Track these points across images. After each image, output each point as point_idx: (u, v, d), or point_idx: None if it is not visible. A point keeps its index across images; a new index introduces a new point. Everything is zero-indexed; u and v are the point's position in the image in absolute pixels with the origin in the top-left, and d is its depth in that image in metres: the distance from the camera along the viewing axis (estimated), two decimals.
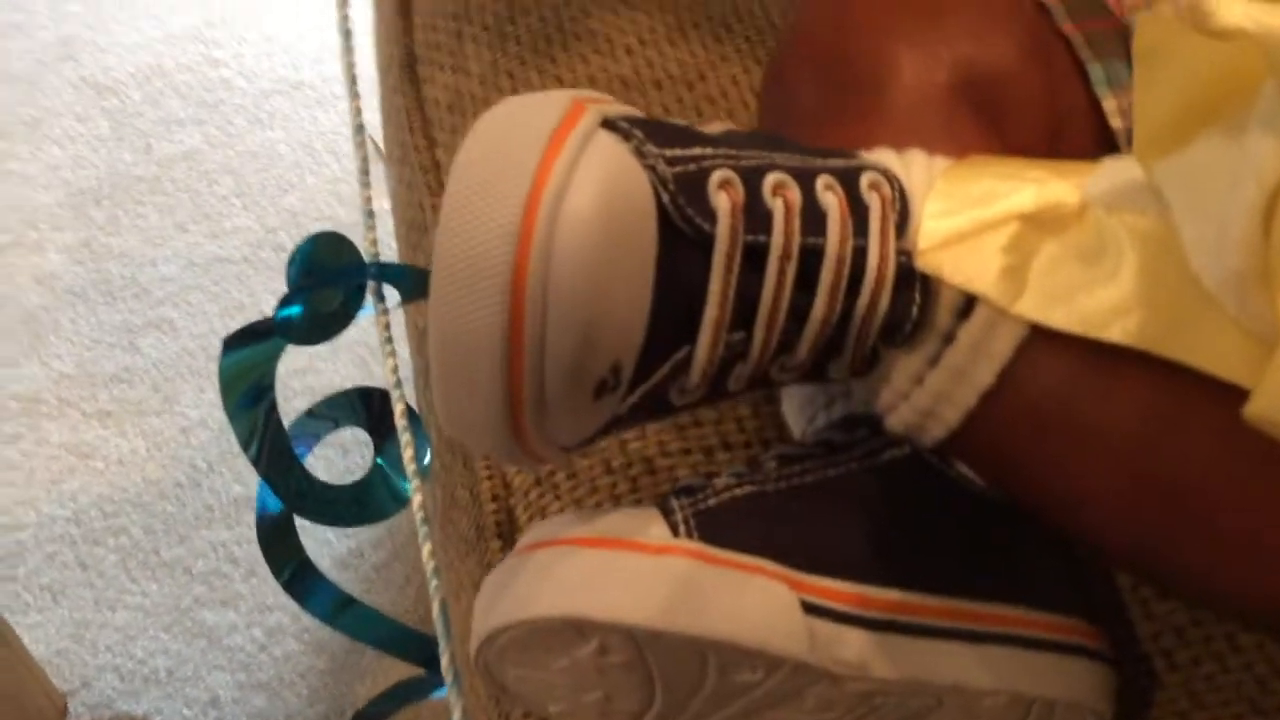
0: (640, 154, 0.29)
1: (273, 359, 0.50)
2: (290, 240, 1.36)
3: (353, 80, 0.50)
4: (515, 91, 0.59)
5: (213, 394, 1.24)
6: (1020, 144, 0.39)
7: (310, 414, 0.56)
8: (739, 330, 0.32)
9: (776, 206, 0.31)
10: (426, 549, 0.42)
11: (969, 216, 0.34)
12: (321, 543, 1.06)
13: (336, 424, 0.55)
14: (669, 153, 0.30)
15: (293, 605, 0.67)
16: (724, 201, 0.30)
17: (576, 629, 0.31)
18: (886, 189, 0.34)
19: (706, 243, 0.30)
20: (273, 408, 0.51)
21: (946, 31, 0.43)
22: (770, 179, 0.32)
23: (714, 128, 0.35)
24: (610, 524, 0.32)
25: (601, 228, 0.27)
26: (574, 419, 0.29)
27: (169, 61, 1.56)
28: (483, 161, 0.28)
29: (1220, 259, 0.29)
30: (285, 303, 0.49)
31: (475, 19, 0.64)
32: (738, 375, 0.33)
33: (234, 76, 1.56)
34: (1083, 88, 0.44)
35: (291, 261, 0.50)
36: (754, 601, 0.31)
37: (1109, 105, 0.42)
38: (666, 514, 0.33)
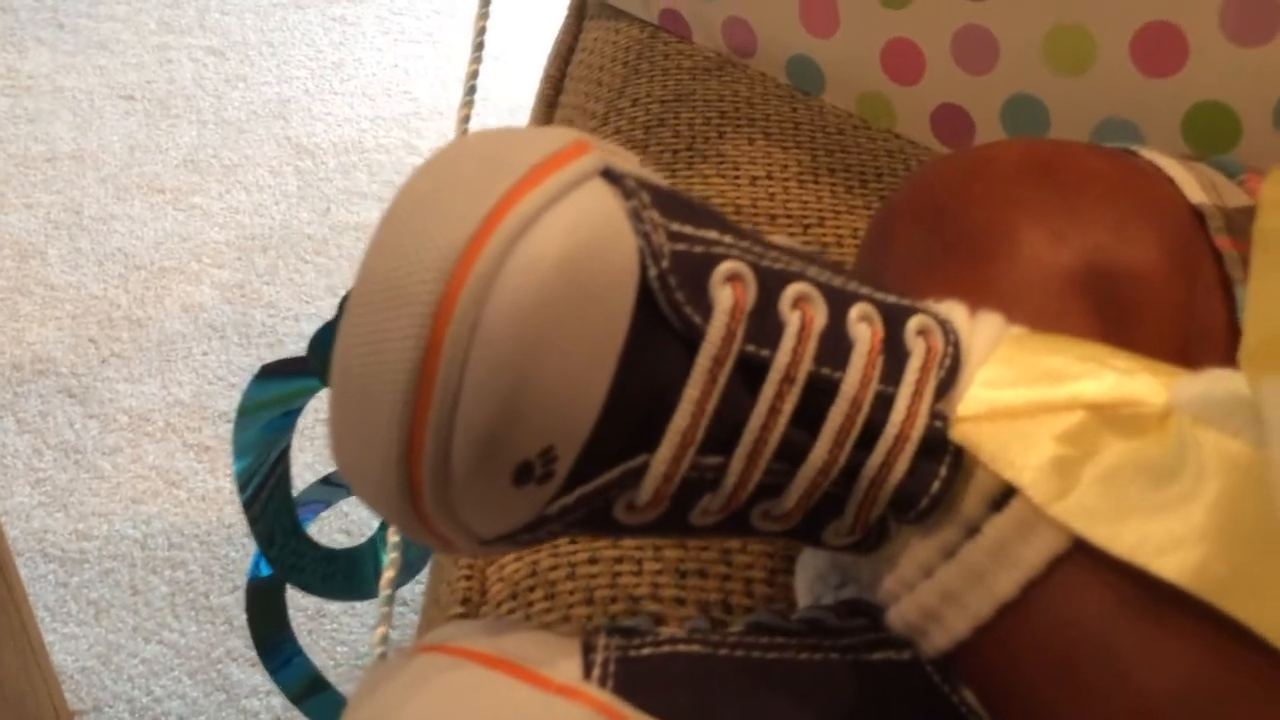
0: (637, 217, 0.25)
1: (301, 396, 0.47)
2: None
3: None
4: None
5: (311, 456, 1.24)
6: (1144, 355, 0.34)
7: (326, 480, 0.53)
8: (715, 454, 0.27)
9: (792, 320, 0.27)
10: (379, 633, 0.37)
11: (1027, 393, 0.28)
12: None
13: (350, 492, 0.52)
14: (675, 226, 0.26)
15: None
16: (727, 297, 0.26)
17: None
18: (937, 339, 0.29)
19: (693, 339, 0.26)
20: (284, 454, 0.47)
21: (1082, 215, 0.38)
22: (793, 289, 0.27)
23: (776, 239, 0.31)
24: (519, 644, 0.27)
25: (560, 283, 0.23)
26: (486, 502, 0.25)
27: (370, 140, 1.63)
28: (445, 175, 0.24)
29: None
30: (324, 334, 0.47)
31: (613, 124, 0.62)
32: (705, 508, 0.27)
33: None
34: (1225, 308, 0.38)
35: (347, 295, 0.48)
36: None
37: None
38: (587, 650, 0.28)
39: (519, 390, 0.23)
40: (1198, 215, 0.40)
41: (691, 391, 0.25)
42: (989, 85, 0.56)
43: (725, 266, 0.26)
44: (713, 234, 0.27)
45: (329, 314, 1.36)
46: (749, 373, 0.26)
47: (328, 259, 1.44)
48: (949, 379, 0.28)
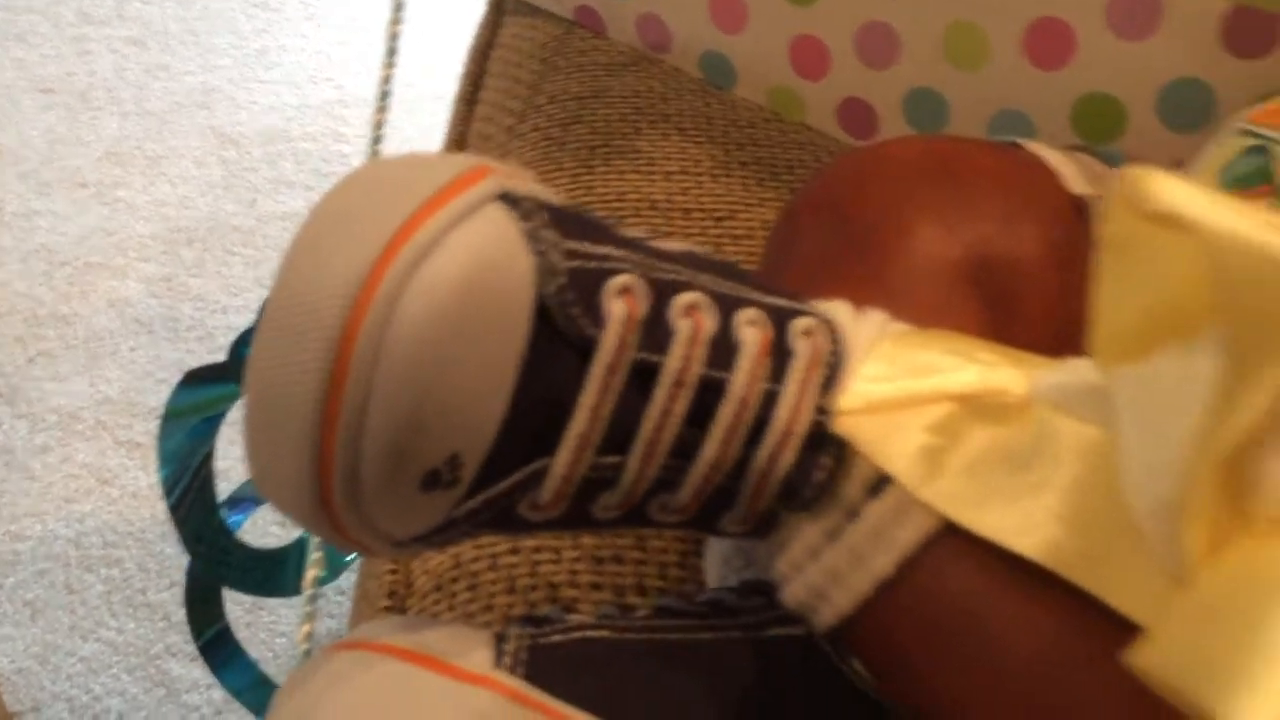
0: (533, 237, 0.27)
1: (223, 402, 0.48)
2: None
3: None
4: None
5: (243, 449, 1.24)
6: (1024, 341, 0.36)
7: None
8: (613, 454, 0.28)
9: (682, 327, 0.28)
10: (304, 630, 0.39)
11: (902, 386, 0.30)
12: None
13: None
14: (571, 245, 0.28)
15: None
16: (619, 309, 0.28)
17: None
18: (822, 339, 0.31)
19: (588, 348, 0.27)
20: (208, 458, 0.49)
21: (972, 210, 0.41)
22: (684, 298, 0.29)
23: (674, 245, 0.32)
24: (434, 638, 0.29)
25: (458, 304, 0.25)
26: (397, 508, 0.26)
27: (296, 128, 1.62)
28: (349, 203, 0.25)
29: (1153, 486, 0.25)
30: (243, 343, 0.48)
31: (531, 119, 0.64)
32: (605, 504, 0.29)
33: (354, 154, 1.61)
34: None
35: (265, 303, 0.49)
36: None
37: None
38: (500, 640, 0.29)
39: (423, 405, 0.25)
40: (1079, 205, 0.42)
41: (587, 398, 0.27)
42: (891, 79, 0.59)
43: (618, 280, 0.28)
44: (607, 249, 0.28)
45: (257, 306, 1.36)
46: (642, 378, 0.28)
47: (255, 250, 1.43)
48: (832, 376, 0.31)
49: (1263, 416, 0.23)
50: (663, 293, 0.29)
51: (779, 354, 0.30)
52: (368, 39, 1.79)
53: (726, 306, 0.30)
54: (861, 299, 0.35)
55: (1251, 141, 0.44)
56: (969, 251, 0.39)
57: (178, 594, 1.08)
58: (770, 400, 0.29)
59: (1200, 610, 0.23)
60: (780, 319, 0.31)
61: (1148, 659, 0.22)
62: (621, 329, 0.27)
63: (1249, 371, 0.22)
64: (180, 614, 1.06)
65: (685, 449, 0.29)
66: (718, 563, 0.38)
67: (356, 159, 1.60)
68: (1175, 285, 0.26)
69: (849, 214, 0.40)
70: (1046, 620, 0.28)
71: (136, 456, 1.19)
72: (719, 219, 0.56)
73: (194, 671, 1.02)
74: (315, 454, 0.25)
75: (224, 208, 1.48)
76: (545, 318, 0.27)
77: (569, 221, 0.28)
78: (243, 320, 1.34)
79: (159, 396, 1.25)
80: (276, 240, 1.44)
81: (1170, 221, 0.22)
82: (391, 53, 0.49)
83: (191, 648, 1.04)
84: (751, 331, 0.30)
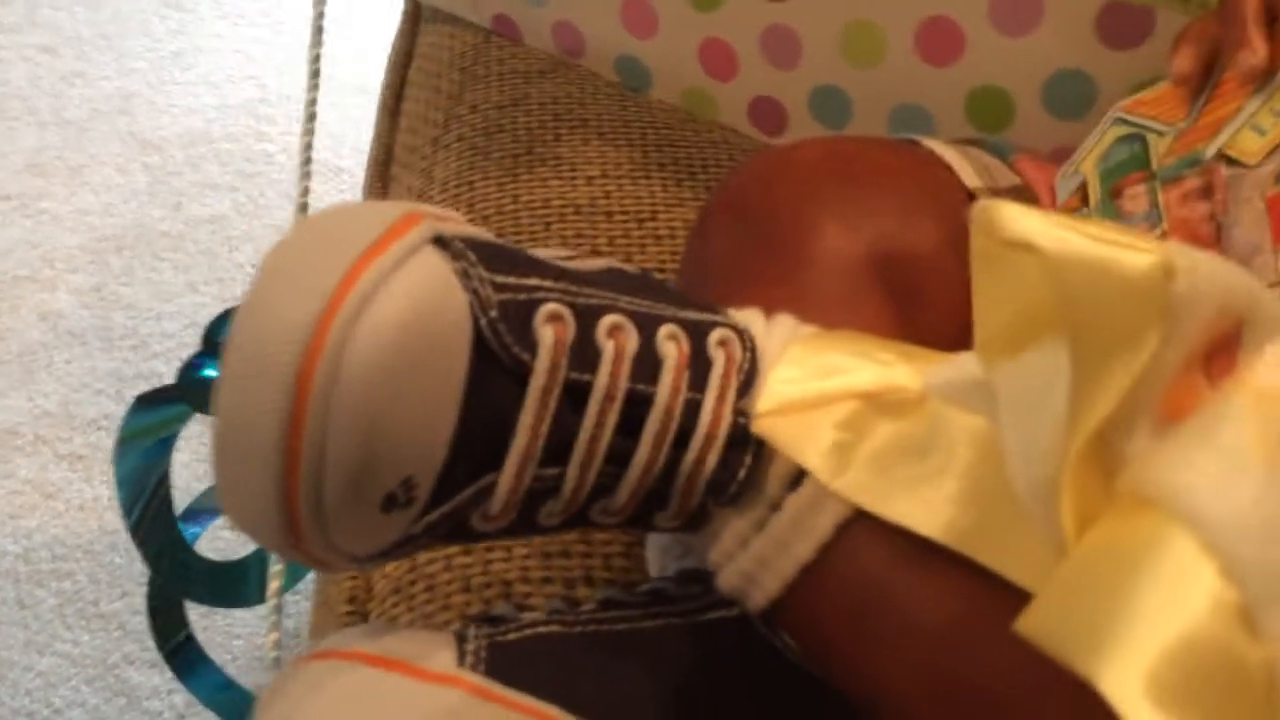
0: (465, 275, 0.30)
1: (175, 423, 0.50)
2: None
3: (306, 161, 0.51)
4: (471, 202, 0.60)
5: (187, 455, 1.24)
6: (929, 332, 0.39)
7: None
8: (553, 466, 0.31)
9: (607, 348, 0.31)
10: (271, 638, 0.41)
11: (812, 387, 0.34)
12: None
13: None
14: (500, 279, 0.30)
15: None
16: (549, 336, 0.30)
17: None
18: (736, 348, 0.34)
19: (523, 373, 0.30)
20: (164, 478, 0.51)
21: (873, 206, 0.44)
22: (607, 320, 0.32)
23: (596, 263, 0.35)
24: (397, 643, 0.32)
25: (402, 342, 0.27)
26: (359, 530, 0.29)
27: (218, 129, 1.61)
28: (297, 253, 0.28)
29: (1031, 469, 0.29)
30: (192, 366, 0.50)
31: (454, 130, 0.66)
32: (549, 511, 0.32)
33: (277, 153, 1.61)
34: None
35: (209, 327, 0.51)
36: None
37: None
38: (460, 641, 0.32)
39: (376, 436, 0.27)
40: (973, 198, 0.46)
41: (526, 418, 0.30)
42: (796, 78, 0.62)
43: (546, 309, 0.31)
44: (534, 280, 0.31)
45: (190, 311, 1.36)
46: (575, 395, 0.31)
47: (184, 254, 1.43)
48: (748, 381, 0.34)
49: (1115, 409, 0.26)
50: (588, 317, 0.31)
51: (698, 364, 0.33)
52: (285, 34, 1.78)
53: (648, 324, 0.33)
54: (774, 298, 0.38)
55: (1125, 130, 0.47)
56: (872, 248, 0.42)
57: (131, 603, 1.09)
58: (693, 407, 0.32)
59: (1074, 579, 0.27)
60: (698, 332, 0.34)
61: (1031, 625, 0.26)
62: (552, 353, 0.30)
63: (1095, 372, 0.26)
64: (135, 622, 1.07)
65: (619, 457, 0.32)
66: (658, 552, 0.41)
67: (281, 157, 1.60)
68: (1035, 293, 0.30)
69: (759, 214, 0.43)
70: (954, 596, 0.31)
71: (79, 469, 1.19)
72: (641, 220, 0.59)
73: (154, 678, 1.04)
74: (281, 488, 0.27)
75: (150, 213, 1.47)
76: (482, 348, 0.30)
77: (497, 257, 0.31)
78: (176, 326, 1.35)
79: (97, 407, 1.26)
80: (205, 244, 1.44)
81: (1019, 247, 0.26)
82: (314, 74, 0.50)
83: (150, 654, 1.05)
84: (671, 346, 0.33)
